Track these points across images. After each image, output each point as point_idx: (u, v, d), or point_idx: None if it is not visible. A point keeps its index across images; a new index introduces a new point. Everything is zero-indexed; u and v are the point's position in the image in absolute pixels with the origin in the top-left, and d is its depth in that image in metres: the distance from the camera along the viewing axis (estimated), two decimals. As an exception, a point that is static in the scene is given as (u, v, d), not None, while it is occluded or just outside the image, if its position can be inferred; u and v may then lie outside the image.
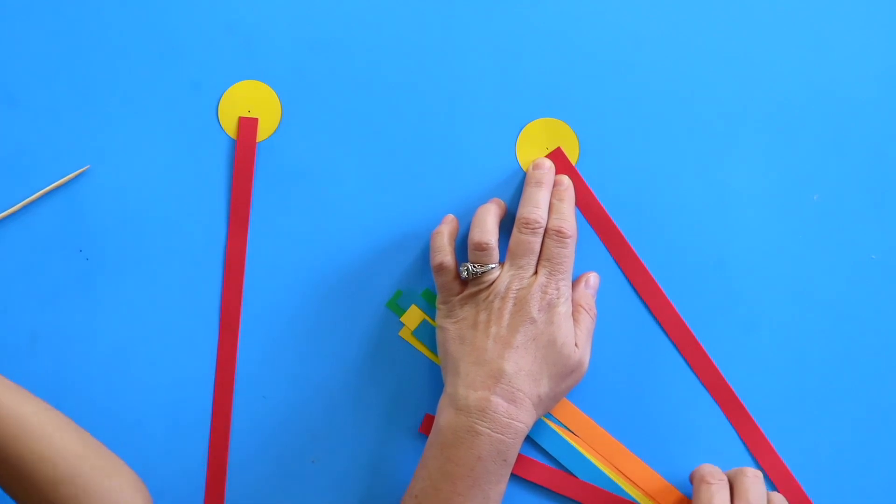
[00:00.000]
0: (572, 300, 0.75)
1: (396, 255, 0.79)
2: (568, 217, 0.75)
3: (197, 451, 0.78)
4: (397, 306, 0.79)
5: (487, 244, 0.74)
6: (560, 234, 0.74)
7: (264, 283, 0.79)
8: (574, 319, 0.74)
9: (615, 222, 0.78)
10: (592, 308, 0.76)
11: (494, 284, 0.73)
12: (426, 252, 0.79)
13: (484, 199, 0.78)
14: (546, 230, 0.75)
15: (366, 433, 0.79)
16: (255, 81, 0.80)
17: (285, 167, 0.80)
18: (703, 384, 0.78)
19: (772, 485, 0.77)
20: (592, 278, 0.77)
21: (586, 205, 0.78)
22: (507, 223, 0.78)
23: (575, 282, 0.76)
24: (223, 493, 0.78)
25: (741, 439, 0.77)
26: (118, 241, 0.79)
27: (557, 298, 0.73)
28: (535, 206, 0.75)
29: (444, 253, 0.75)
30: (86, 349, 0.79)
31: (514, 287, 0.73)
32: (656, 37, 0.79)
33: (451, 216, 0.78)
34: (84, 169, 0.80)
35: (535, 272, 0.74)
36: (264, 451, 0.78)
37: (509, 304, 0.72)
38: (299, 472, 0.78)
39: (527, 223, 0.74)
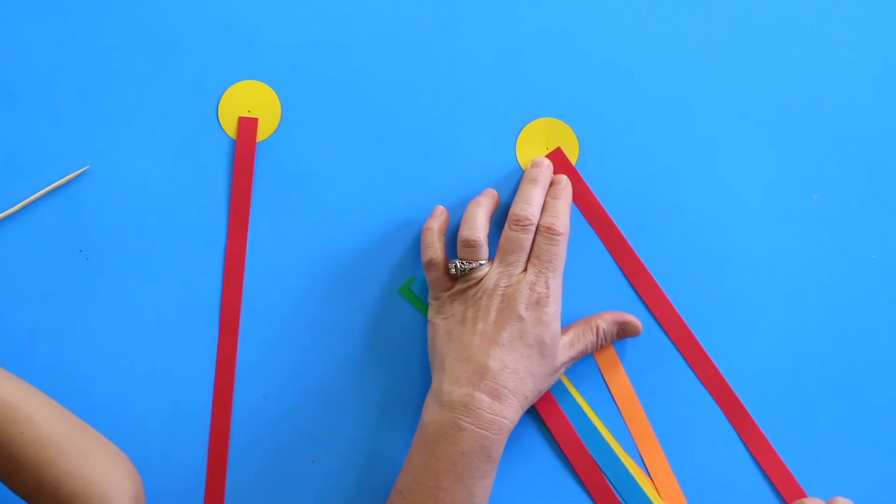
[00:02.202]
0: (598, 318, 0.75)
1: (395, 256, 0.79)
2: (561, 215, 0.75)
3: (197, 451, 0.78)
4: (410, 292, 0.79)
5: (475, 241, 0.74)
6: (550, 230, 0.74)
7: (264, 283, 0.79)
8: (580, 331, 0.74)
9: (615, 222, 0.78)
10: (605, 339, 0.75)
11: (483, 281, 0.73)
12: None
13: (484, 199, 0.78)
14: (537, 227, 0.74)
15: (366, 432, 0.79)
16: (255, 81, 0.80)
17: (285, 167, 0.80)
18: (703, 384, 0.78)
19: (772, 485, 0.77)
20: (633, 327, 0.76)
21: (586, 205, 0.78)
22: (501, 219, 0.77)
23: (618, 312, 0.76)
24: (223, 493, 0.78)
25: (741, 439, 0.77)
26: (118, 241, 0.79)
27: (546, 297, 0.72)
28: (528, 203, 0.75)
29: (434, 249, 0.75)
30: (86, 349, 0.79)
31: (502, 284, 0.73)
32: (656, 37, 0.79)
33: (440, 209, 0.77)
34: (84, 169, 0.80)
35: (525, 269, 0.74)
36: (264, 451, 0.78)
37: (496, 301, 0.72)
38: (299, 471, 0.78)
39: (517, 220, 0.74)
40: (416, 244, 0.79)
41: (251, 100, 0.80)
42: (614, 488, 0.77)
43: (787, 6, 0.79)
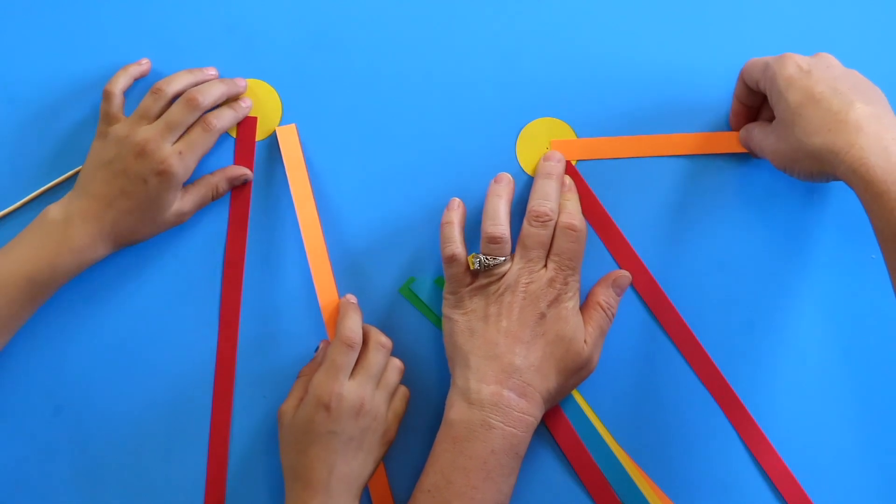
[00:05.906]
0: (594, 295, 0.75)
1: (395, 256, 0.79)
2: (576, 213, 0.75)
3: (197, 451, 0.78)
4: (410, 292, 0.79)
5: (501, 237, 0.74)
6: (571, 228, 0.74)
7: (264, 282, 0.79)
8: (588, 315, 0.74)
9: (615, 222, 0.78)
10: (612, 307, 0.76)
11: (505, 277, 0.73)
12: (425, 252, 0.79)
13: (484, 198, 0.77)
14: (556, 225, 0.74)
15: (366, 433, 0.78)
16: (255, 80, 0.80)
17: (285, 167, 0.79)
18: (703, 384, 0.78)
19: (772, 485, 0.77)
20: (623, 279, 0.77)
21: (586, 205, 0.78)
22: (516, 211, 0.77)
23: (603, 277, 0.77)
24: (223, 494, 0.78)
25: (741, 439, 0.77)
26: (118, 240, 0.79)
27: (565, 293, 0.73)
28: (545, 199, 0.75)
29: (455, 244, 0.75)
30: (86, 349, 0.79)
31: (523, 280, 0.73)
32: (656, 37, 0.79)
33: (457, 201, 0.77)
34: (84, 169, 0.80)
35: (545, 265, 0.74)
36: (264, 451, 0.78)
37: (519, 298, 0.72)
38: (299, 471, 0.78)
39: (537, 216, 0.74)
40: (415, 243, 0.79)
41: (251, 98, 0.80)
42: (615, 490, 0.77)
43: (786, 7, 0.79)
